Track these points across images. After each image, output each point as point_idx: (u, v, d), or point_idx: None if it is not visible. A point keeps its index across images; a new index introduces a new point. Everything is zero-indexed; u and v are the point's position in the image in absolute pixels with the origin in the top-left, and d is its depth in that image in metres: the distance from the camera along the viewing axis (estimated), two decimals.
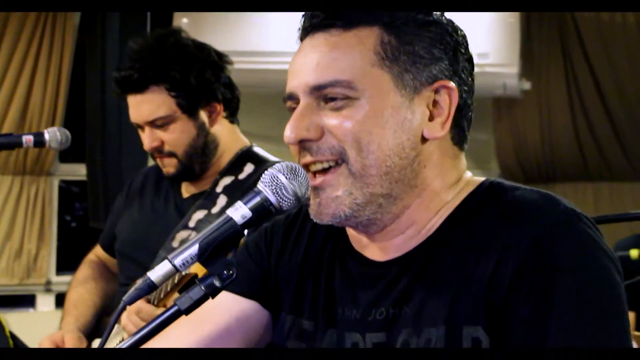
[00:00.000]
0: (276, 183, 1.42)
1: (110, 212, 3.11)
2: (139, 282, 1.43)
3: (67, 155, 6.16)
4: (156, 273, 1.42)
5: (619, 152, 5.82)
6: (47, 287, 6.01)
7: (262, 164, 2.69)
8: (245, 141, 2.82)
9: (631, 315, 4.17)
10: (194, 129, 2.65)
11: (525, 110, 5.85)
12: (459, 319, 1.39)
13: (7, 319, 4.53)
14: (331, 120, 1.45)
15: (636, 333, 3.61)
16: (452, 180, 1.50)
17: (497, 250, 1.38)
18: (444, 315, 1.40)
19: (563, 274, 1.33)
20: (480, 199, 1.47)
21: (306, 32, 1.51)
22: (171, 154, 2.66)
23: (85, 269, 3.07)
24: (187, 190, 2.81)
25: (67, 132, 2.62)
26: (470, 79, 1.51)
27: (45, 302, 6.11)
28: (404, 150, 1.44)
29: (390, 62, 1.44)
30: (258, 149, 2.80)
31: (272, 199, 1.41)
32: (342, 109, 1.44)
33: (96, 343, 2.56)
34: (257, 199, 1.41)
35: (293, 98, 1.50)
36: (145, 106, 2.62)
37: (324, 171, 1.47)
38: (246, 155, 2.75)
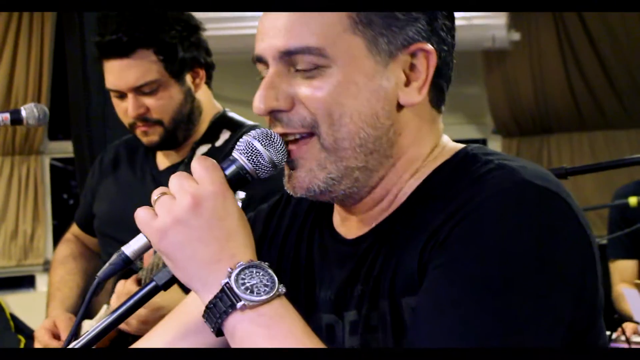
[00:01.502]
0: (252, 150, 1.38)
1: (83, 189, 3.04)
2: (114, 257, 1.40)
3: (56, 132, 6.11)
4: (131, 247, 1.39)
5: (613, 100, 5.78)
6: (46, 266, 5.97)
7: (238, 130, 2.62)
8: (218, 107, 2.75)
9: (632, 263, 4.16)
10: (181, 95, 2.58)
11: (516, 62, 5.80)
12: (398, 291, 1.34)
13: (8, 300, 4.53)
14: (302, 89, 1.36)
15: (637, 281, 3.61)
16: (428, 148, 1.43)
17: (440, 220, 1.31)
18: (388, 288, 1.35)
19: (482, 240, 1.25)
20: (450, 170, 1.40)
21: None
22: (157, 122, 2.58)
23: (63, 249, 3.01)
24: (162, 162, 2.75)
25: (45, 108, 2.54)
26: (450, 36, 1.42)
27: (45, 282, 6.05)
28: (378, 120, 1.37)
29: (364, 27, 1.36)
30: (232, 114, 2.74)
31: (248, 166, 1.38)
32: (314, 78, 1.36)
33: (85, 324, 2.51)
34: (233, 167, 1.38)
35: (262, 61, 1.42)
36: (132, 71, 2.52)
37: (296, 141, 1.40)
38: (221, 121, 2.69)
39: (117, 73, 2.54)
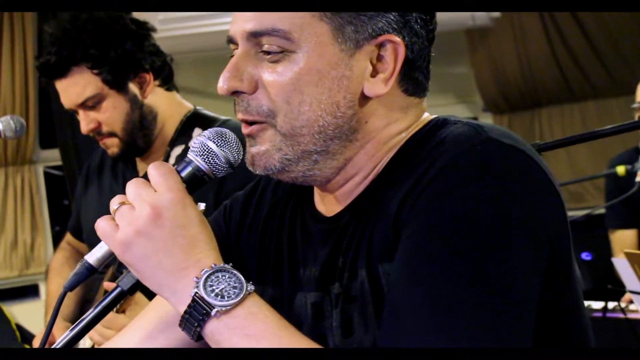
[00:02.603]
0: (207, 151, 1.38)
1: (74, 196, 3.05)
2: (78, 267, 1.40)
3: (48, 141, 6.12)
4: (94, 256, 1.40)
5: (600, 69, 5.76)
6: None
7: (209, 125, 2.60)
8: (188, 106, 2.74)
9: (631, 233, 4.15)
10: (126, 104, 2.57)
11: (499, 39, 5.78)
12: (375, 257, 1.34)
13: (13, 311, 4.54)
14: (266, 74, 1.37)
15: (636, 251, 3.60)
16: (402, 127, 1.43)
17: (410, 183, 1.31)
18: (365, 257, 1.36)
19: (448, 202, 1.25)
20: (421, 136, 1.40)
21: None
22: (110, 134, 2.59)
23: (59, 258, 3.03)
24: (142, 167, 2.75)
25: (22, 120, 2.57)
26: (425, 29, 1.41)
27: None
28: (338, 109, 1.37)
29: (332, 13, 1.35)
30: (203, 111, 2.73)
31: (204, 167, 1.38)
32: (278, 62, 1.36)
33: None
34: (189, 169, 1.38)
35: (233, 42, 1.42)
36: (72, 89, 2.54)
37: (253, 124, 1.41)
38: (192, 119, 2.68)
39: (62, 93, 2.57)
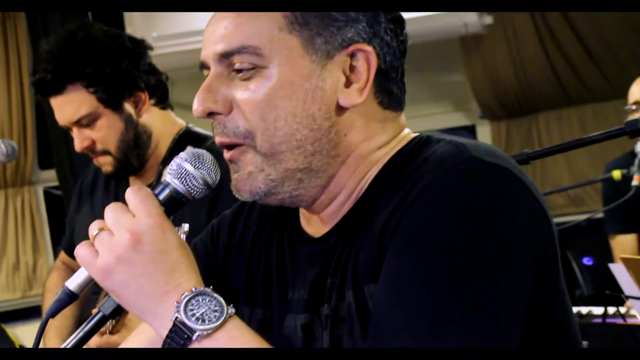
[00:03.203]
0: (183, 172, 1.38)
1: (68, 214, 3.05)
2: (59, 293, 1.40)
3: (46, 161, 6.13)
4: (75, 282, 1.40)
5: (596, 73, 5.75)
6: None
7: (202, 143, 2.59)
8: (181, 123, 2.73)
9: (631, 237, 4.14)
10: (120, 123, 2.58)
11: (493, 46, 5.77)
12: (361, 278, 1.34)
13: (17, 332, 4.54)
14: (240, 93, 1.37)
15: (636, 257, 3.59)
16: (382, 142, 1.43)
17: (394, 203, 1.31)
18: (351, 277, 1.36)
19: (432, 221, 1.24)
20: (405, 155, 1.40)
21: None
22: (104, 152, 2.59)
23: (54, 277, 3.03)
24: (134, 185, 2.75)
25: (13, 143, 2.58)
26: (396, 40, 1.42)
27: None
28: (314, 122, 1.36)
29: (300, 26, 1.35)
30: (195, 129, 2.72)
31: (181, 189, 1.38)
32: (251, 79, 1.36)
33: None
34: (167, 192, 1.38)
35: (206, 67, 1.43)
36: (67, 107, 2.54)
37: (232, 147, 1.41)
38: (184, 137, 2.68)
39: (57, 110, 2.57)
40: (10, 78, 5.77)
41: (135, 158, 2.62)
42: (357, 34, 1.37)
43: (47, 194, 6.25)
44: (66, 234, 3.01)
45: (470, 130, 6.44)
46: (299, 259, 1.49)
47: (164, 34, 5.06)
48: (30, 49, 5.72)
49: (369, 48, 1.37)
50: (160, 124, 2.66)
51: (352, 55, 1.38)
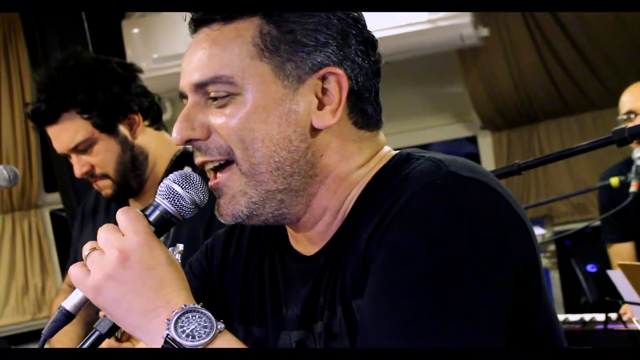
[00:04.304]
0: (172, 194, 1.44)
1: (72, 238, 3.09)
2: (56, 314, 1.45)
3: (52, 184, 6.17)
4: (71, 302, 1.45)
5: (594, 81, 5.75)
6: None
7: None
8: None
9: (628, 246, 4.14)
10: (117, 146, 2.63)
11: (491, 57, 5.78)
12: (348, 293, 1.39)
13: None
14: (216, 119, 1.43)
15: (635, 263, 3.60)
16: (360, 162, 1.48)
17: (377, 219, 1.35)
18: (340, 293, 1.40)
19: (412, 236, 1.29)
20: (386, 173, 1.45)
21: (193, 28, 1.49)
22: (104, 176, 2.65)
23: (60, 300, 3.05)
24: (135, 207, 2.78)
25: (15, 169, 2.63)
26: (367, 61, 1.47)
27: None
28: (291, 144, 1.41)
29: (270, 53, 1.41)
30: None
31: (171, 209, 1.44)
32: (226, 106, 1.42)
33: None
34: (157, 213, 1.44)
35: (184, 96, 1.48)
36: (63, 135, 2.60)
37: (219, 168, 1.46)
38: (182, 158, 2.73)
39: (54, 139, 2.64)
40: (13, 103, 5.81)
41: (134, 179, 2.67)
42: (327, 57, 1.42)
43: (54, 216, 6.28)
44: (70, 257, 3.05)
45: (471, 141, 6.47)
46: (291, 277, 1.53)
47: (164, 56, 5.10)
48: (31, 75, 5.78)
49: (339, 71, 1.42)
50: (156, 144, 2.71)
51: (323, 78, 1.43)
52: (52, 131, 2.62)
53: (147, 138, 2.69)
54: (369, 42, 1.48)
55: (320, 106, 1.43)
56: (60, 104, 2.56)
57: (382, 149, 1.51)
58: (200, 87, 1.43)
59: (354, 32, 1.45)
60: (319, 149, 1.44)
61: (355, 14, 1.47)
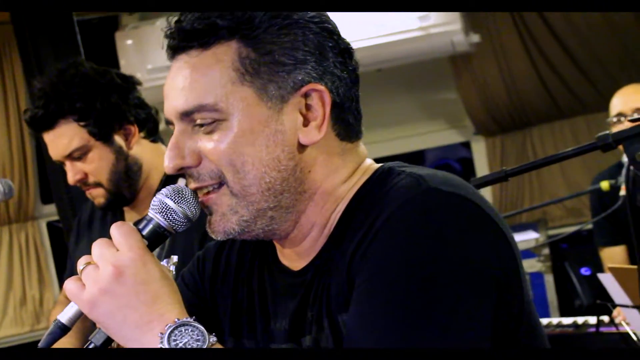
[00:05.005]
0: (165, 208, 1.46)
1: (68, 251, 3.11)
2: (52, 326, 1.47)
3: (49, 196, 6.18)
4: (66, 315, 1.47)
5: (586, 85, 5.78)
6: None
7: None
8: None
9: (620, 249, 4.16)
10: (111, 155, 2.66)
11: (482, 63, 5.81)
12: (335, 308, 1.41)
13: None
14: (205, 144, 1.44)
15: (630, 266, 3.62)
16: (344, 176, 1.49)
17: (360, 235, 1.38)
18: (326, 308, 1.42)
19: (394, 251, 1.32)
20: (369, 187, 1.47)
21: (170, 54, 1.49)
22: (97, 184, 2.67)
23: (57, 312, 3.07)
24: (129, 217, 2.81)
25: (10, 183, 2.66)
26: (346, 72, 1.48)
27: (60, 344, 6.12)
28: (280, 163, 1.43)
29: (252, 77, 1.42)
30: None
31: (164, 223, 1.46)
32: (214, 132, 1.43)
33: None
34: (150, 227, 1.46)
35: (170, 122, 1.50)
36: (59, 141, 2.62)
37: (209, 192, 1.48)
38: None
39: (49, 144, 2.66)
40: (9, 116, 5.83)
41: (126, 189, 2.69)
42: (307, 74, 1.43)
43: (51, 227, 6.29)
44: (67, 270, 3.07)
45: (465, 147, 6.50)
46: (279, 291, 1.55)
47: (158, 66, 5.12)
48: (26, 86, 5.80)
49: (321, 87, 1.44)
50: (150, 156, 2.73)
51: (306, 95, 1.44)
52: (49, 137, 2.64)
53: (142, 149, 2.72)
54: (346, 51, 1.49)
55: (306, 122, 1.44)
56: (58, 110, 2.59)
57: (364, 161, 1.53)
58: (186, 115, 1.44)
59: (330, 44, 1.46)
60: (307, 165, 1.46)
61: (329, 25, 1.48)
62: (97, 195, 2.69)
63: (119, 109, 2.65)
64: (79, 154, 2.63)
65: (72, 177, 2.65)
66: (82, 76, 2.64)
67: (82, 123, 2.60)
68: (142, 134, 2.71)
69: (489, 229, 1.36)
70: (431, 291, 1.27)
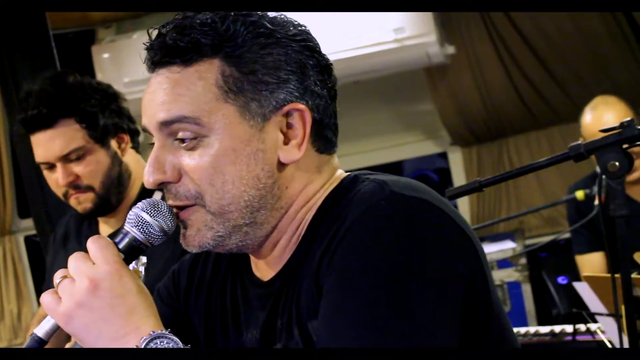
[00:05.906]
0: (141, 221, 1.47)
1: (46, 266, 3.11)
2: (28, 341, 1.48)
3: (27, 210, 6.16)
4: (43, 329, 1.47)
5: (561, 95, 5.82)
6: None
7: None
8: None
9: (597, 256, 4.20)
10: (107, 159, 2.67)
11: (458, 74, 5.84)
12: (304, 316, 1.43)
13: None
14: (187, 161, 1.44)
15: (605, 275, 3.65)
16: (317, 187, 1.51)
17: (326, 242, 1.40)
18: (296, 316, 1.44)
19: (359, 257, 1.34)
20: (336, 195, 1.49)
21: (151, 67, 1.49)
22: (88, 188, 2.66)
23: (35, 326, 3.07)
24: (104, 230, 2.82)
25: None
26: (326, 89, 1.50)
27: None
28: (259, 181, 1.44)
29: (235, 95, 1.43)
30: None
31: (140, 237, 1.47)
32: (195, 149, 1.43)
33: None
34: (126, 240, 1.47)
35: (148, 131, 1.50)
36: (56, 141, 2.62)
37: (184, 208, 1.49)
38: None
39: (44, 144, 2.63)
40: None
41: (115, 196, 2.70)
42: (289, 93, 1.44)
43: (29, 241, 6.26)
44: (45, 284, 3.06)
45: (442, 157, 6.53)
46: (251, 302, 1.57)
47: (135, 79, 5.13)
48: (2, 100, 5.78)
49: (302, 106, 1.45)
50: (136, 167, 2.75)
51: (287, 114, 1.45)
52: (45, 136, 2.62)
53: (130, 158, 2.75)
54: (325, 68, 1.51)
55: (286, 141, 1.46)
56: (62, 109, 2.60)
57: (336, 171, 1.55)
58: (166, 125, 1.44)
59: (311, 62, 1.47)
60: (285, 182, 1.47)
61: (311, 43, 1.49)
62: (85, 200, 2.68)
63: (117, 116, 2.69)
64: (75, 156, 2.63)
65: (63, 179, 2.63)
66: (82, 83, 2.67)
67: (83, 124, 2.61)
68: (130, 144, 2.74)
69: (453, 233, 1.38)
70: (397, 296, 1.29)
